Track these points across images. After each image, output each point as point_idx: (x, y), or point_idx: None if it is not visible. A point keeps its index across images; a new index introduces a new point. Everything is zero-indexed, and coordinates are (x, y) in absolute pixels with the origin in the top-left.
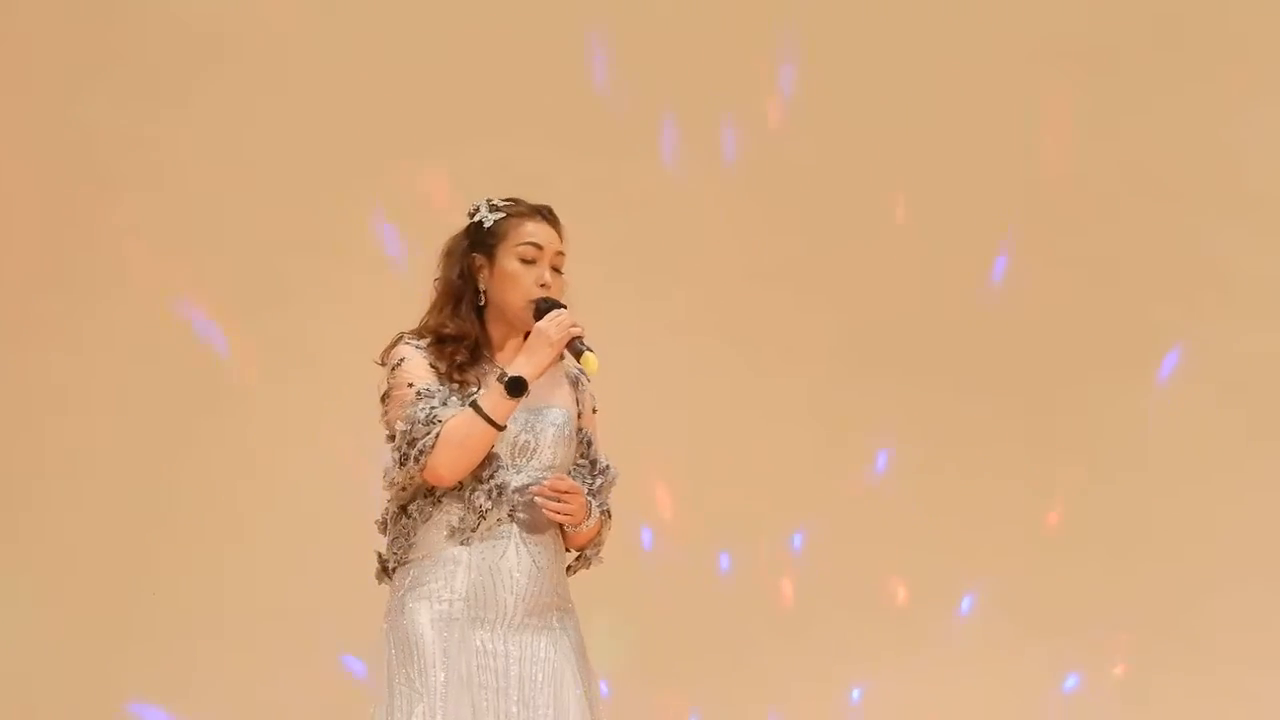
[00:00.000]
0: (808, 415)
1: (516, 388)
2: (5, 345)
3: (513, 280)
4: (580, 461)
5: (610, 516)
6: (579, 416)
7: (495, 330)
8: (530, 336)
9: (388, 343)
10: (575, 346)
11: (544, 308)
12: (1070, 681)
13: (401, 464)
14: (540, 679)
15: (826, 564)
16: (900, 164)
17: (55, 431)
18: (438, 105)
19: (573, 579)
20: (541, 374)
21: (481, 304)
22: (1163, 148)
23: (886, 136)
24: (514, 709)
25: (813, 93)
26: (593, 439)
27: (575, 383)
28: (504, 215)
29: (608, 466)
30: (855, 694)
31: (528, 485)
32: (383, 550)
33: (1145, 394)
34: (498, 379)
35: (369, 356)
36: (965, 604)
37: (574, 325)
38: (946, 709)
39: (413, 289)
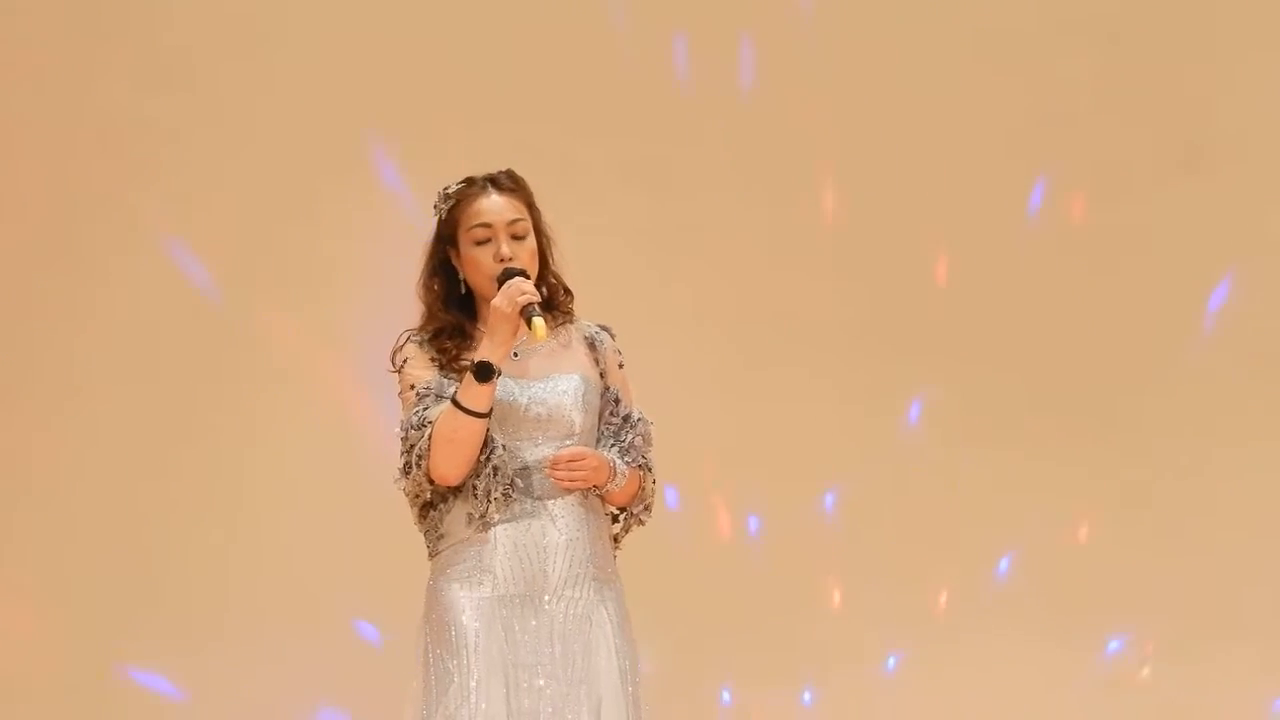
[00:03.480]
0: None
1: (483, 372)
2: (13, 319)
3: (475, 264)
4: (610, 419)
5: (650, 470)
6: (602, 375)
7: (485, 310)
8: (489, 317)
9: (394, 344)
10: (525, 313)
11: (503, 280)
12: (1113, 645)
13: (406, 472)
14: (575, 652)
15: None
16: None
17: (62, 406)
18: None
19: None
20: (508, 350)
21: (464, 291)
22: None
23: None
24: (548, 685)
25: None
26: (621, 394)
27: (593, 343)
28: (455, 202)
29: (640, 419)
30: (891, 662)
31: (546, 458)
32: None
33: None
34: (469, 367)
35: (382, 329)
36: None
37: (523, 293)
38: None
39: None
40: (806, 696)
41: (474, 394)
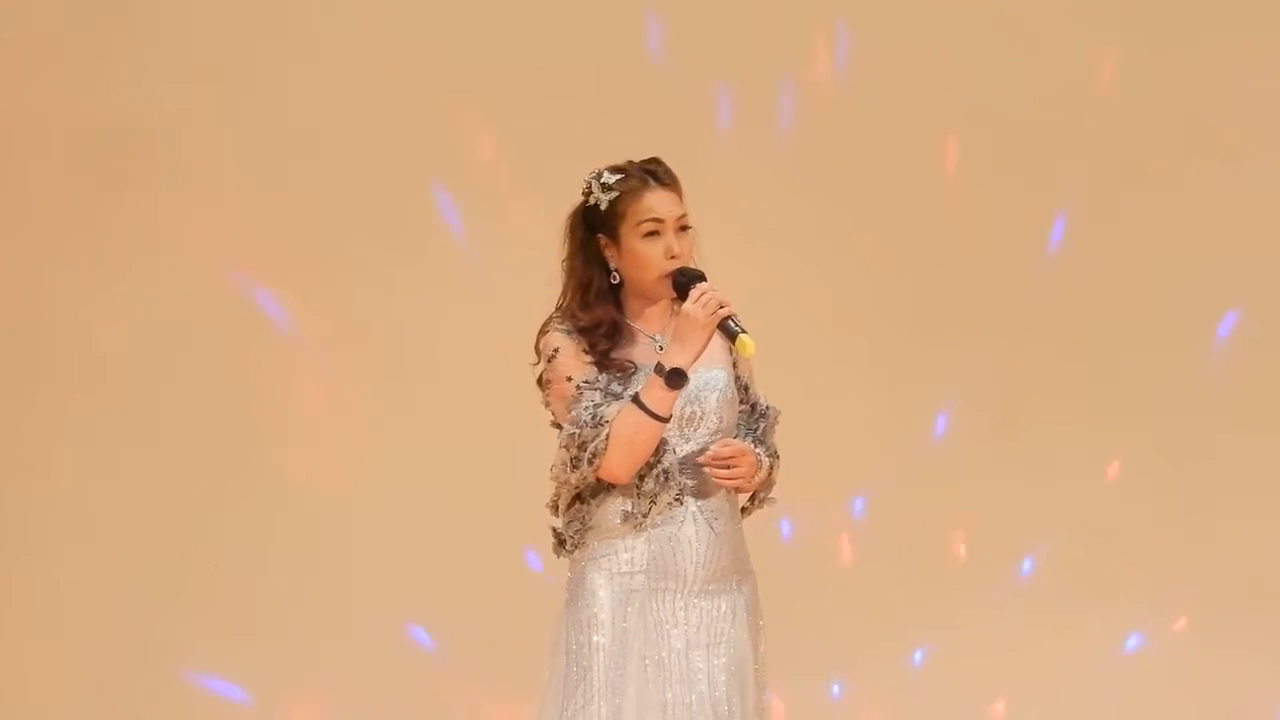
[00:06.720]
0: (867, 375)
1: (678, 380)
2: (45, 315)
3: (641, 258)
4: (741, 408)
5: (779, 457)
6: (735, 364)
7: (633, 303)
8: (678, 321)
9: (538, 330)
10: (728, 328)
11: (681, 281)
12: (1132, 641)
13: (574, 467)
14: (720, 646)
15: (887, 526)
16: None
17: (100, 410)
18: (489, 72)
19: None
20: (698, 357)
21: (615, 282)
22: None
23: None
24: (684, 681)
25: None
26: (749, 382)
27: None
28: (618, 194)
29: (768, 408)
30: (918, 655)
31: (696, 453)
32: (558, 527)
33: (1205, 352)
34: (656, 371)
35: (425, 324)
36: (1026, 565)
37: (722, 305)
38: (1008, 670)
39: (464, 258)
40: (835, 689)
41: (659, 398)
